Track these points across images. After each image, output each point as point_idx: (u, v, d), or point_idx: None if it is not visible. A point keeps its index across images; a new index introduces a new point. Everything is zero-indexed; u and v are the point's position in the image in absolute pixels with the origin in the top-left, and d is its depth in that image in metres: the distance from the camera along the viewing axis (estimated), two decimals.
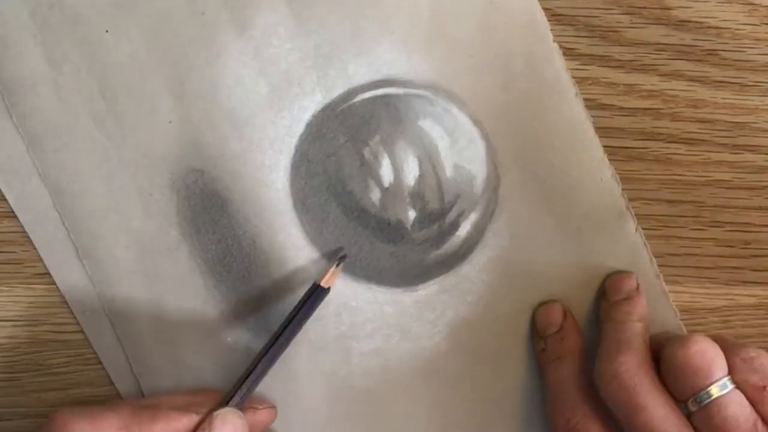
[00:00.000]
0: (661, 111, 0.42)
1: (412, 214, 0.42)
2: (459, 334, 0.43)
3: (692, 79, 0.42)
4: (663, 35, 0.42)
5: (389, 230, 0.42)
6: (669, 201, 0.43)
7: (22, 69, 0.41)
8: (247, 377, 0.39)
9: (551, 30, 0.41)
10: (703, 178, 0.43)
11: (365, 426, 0.44)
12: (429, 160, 0.42)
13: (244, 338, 0.43)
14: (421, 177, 0.42)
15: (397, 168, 0.42)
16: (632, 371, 0.37)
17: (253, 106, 0.41)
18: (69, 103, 0.41)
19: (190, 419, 0.37)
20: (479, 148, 0.42)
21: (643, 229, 0.42)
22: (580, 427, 0.39)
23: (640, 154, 0.42)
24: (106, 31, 0.40)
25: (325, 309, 0.43)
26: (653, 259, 0.43)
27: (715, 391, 0.36)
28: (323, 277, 0.40)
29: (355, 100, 0.41)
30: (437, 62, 0.41)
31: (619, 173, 0.42)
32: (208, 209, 0.42)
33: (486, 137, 0.41)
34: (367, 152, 0.41)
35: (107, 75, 0.41)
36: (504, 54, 0.41)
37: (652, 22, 0.42)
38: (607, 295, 0.42)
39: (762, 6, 0.42)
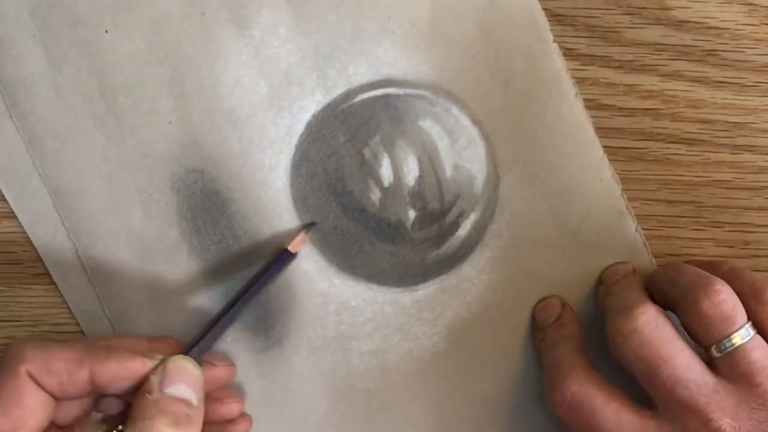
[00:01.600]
0: (661, 111, 0.42)
1: (412, 214, 0.42)
2: (458, 334, 0.43)
3: (692, 80, 0.42)
4: (663, 36, 0.42)
5: (389, 230, 0.42)
6: (669, 201, 0.43)
7: (22, 69, 0.41)
8: (207, 332, 0.38)
9: (551, 30, 0.41)
10: (703, 179, 0.43)
11: (364, 426, 0.44)
12: (429, 160, 0.42)
13: (243, 336, 0.43)
14: (421, 177, 0.42)
15: (397, 168, 0.42)
16: (651, 323, 0.37)
17: (253, 106, 0.41)
18: (69, 103, 0.41)
19: (144, 362, 0.36)
20: (479, 148, 0.42)
21: (643, 229, 0.42)
22: (581, 397, 0.38)
23: (639, 155, 0.42)
24: (106, 32, 0.40)
25: (324, 309, 0.43)
26: (653, 259, 0.43)
27: (737, 339, 0.36)
28: (291, 242, 0.40)
29: (355, 100, 0.41)
30: (437, 62, 0.41)
31: (619, 173, 0.42)
32: (209, 209, 0.42)
33: (486, 137, 0.41)
34: (367, 152, 0.41)
35: (107, 75, 0.40)
36: (504, 54, 0.41)
37: (652, 22, 0.42)
38: (605, 281, 0.42)
39: (762, 6, 0.42)
